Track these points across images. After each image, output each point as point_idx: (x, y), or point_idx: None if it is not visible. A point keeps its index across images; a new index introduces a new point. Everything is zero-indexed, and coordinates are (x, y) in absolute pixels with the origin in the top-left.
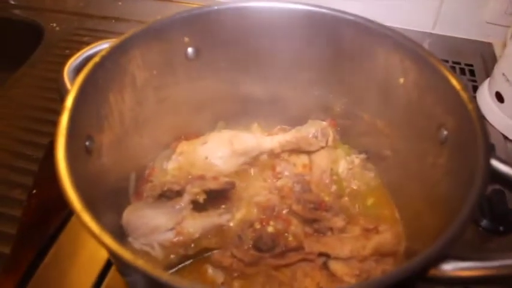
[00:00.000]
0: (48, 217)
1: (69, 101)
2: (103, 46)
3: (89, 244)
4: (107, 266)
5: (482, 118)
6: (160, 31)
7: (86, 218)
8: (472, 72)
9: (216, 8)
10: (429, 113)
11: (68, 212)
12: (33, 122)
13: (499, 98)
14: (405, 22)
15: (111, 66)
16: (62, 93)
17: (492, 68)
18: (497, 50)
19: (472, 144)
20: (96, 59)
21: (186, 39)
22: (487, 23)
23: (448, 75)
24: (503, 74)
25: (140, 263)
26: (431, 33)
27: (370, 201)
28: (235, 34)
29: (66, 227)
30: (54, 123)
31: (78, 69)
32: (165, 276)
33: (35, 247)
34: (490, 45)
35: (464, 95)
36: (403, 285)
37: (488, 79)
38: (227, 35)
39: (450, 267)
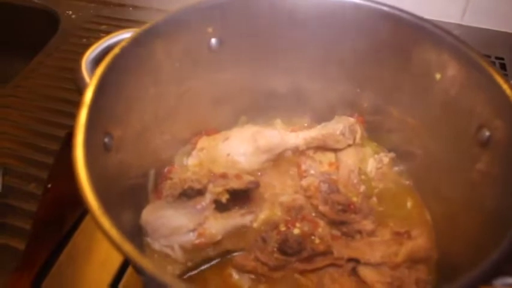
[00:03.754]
0: (64, 212)
1: (87, 96)
2: (123, 36)
3: (105, 243)
4: (125, 264)
5: None
6: (183, 21)
7: (104, 222)
8: (503, 66)
9: None
10: (468, 112)
11: (84, 208)
12: (49, 113)
13: None
14: (432, 12)
15: (132, 58)
16: (80, 85)
17: None
18: None
19: None
20: (116, 50)
21: (210, 29)
22: None
23: (492, 72)
24: None
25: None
26: (459, 24)
27: (399, 203)
28: (261, 24)
29: (82, 223)
30: (71, 115)
31: (96, 61)
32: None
33: (51, 243)
34: None
35: (511, 94)
36: None
37: None
38: (252, 25)
39: (502, 284)
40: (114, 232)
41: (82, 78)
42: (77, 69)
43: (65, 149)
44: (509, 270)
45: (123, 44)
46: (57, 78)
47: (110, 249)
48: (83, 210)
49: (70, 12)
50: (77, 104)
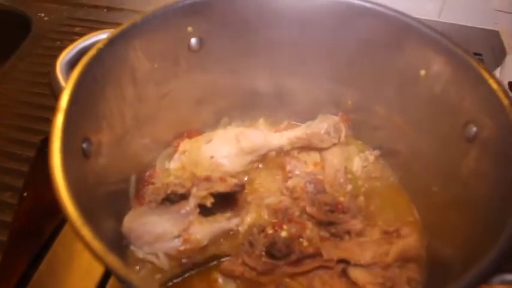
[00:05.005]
0: (42, 222)
1: (63, 101)
2: (99, 37)
3: (86, 252)
4: (106, 275)
5: None
6: (161, 20)
7: (86, 233)
8: (481, 62)
9: None
10: (454, 108)
11: (62, 217)
12: (23, 119)
13: None
14: (410, 9)
15: (109, 60)
16: (55, 90)
17: (501, 57)
18: (505, 39)
19: (509, 143)
20: (93, 51)
21: (190, 28)
22: (495, 10)
23: (478, 68)
24: None
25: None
26: (437, 21)
27: (386, 200)
28: (242, 23)
29: (61, 232)
30: (46, 121)
31: (72, 63)
32: None
33: (28, 254)
34: (497, 33)
35: (498, 90)
36: None
37: (499, 69)
38: (233, 24)
39: (500, 281)
40: (96, 243)
41: (57, 82)
42: (51, 73)
43: (40, 156)
44: (506, 268)
45: (99, 45)
46: (30, 82)
47: (91, 258)
48: (62, 218)
49: (42, 15)
50: (52, 109)
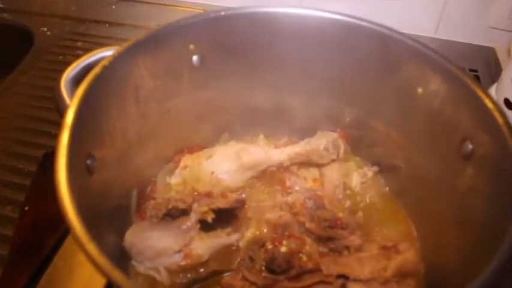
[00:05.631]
0: (42, 236)
1: (69, 118)
2: (103, 54)
3: (87, 266)
4: (108, 286)
5: None
6: (164, 38)
7: (91, 249)
8: (477, 78)
9: (223, 13)
10: (451, 125)
11: (63, 231)
12: (25, 133)
13: (508, 104)
14: (406, 26)
15: (113, 77)
16: (60, 106)
17: (497, 74)
18: (501, 55)
19: (504, 160)
20: (97, 69)
21: (192, 46)
22: (490, 27)
23: (473, 86)
24: None
25: None
26: (433, 38)
27: (384, 216)
28: (243, 41)
29: (62, 247)
30: (48, 135)
31: (76, 80)
32: None
33: (28, 269)
34: (492, 50)
35: (492, 108)
36: None
37: (495, 85)
38: (234, 42)
39: None
40: (102, 260)
41: (61, 98)
42: (55, 89)
43: (42, 170)
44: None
45: (104, 62)
46: (32, 96)
47: (92, 272)
48: (63, 233)
49: (45, 29)
50: (54, 124)
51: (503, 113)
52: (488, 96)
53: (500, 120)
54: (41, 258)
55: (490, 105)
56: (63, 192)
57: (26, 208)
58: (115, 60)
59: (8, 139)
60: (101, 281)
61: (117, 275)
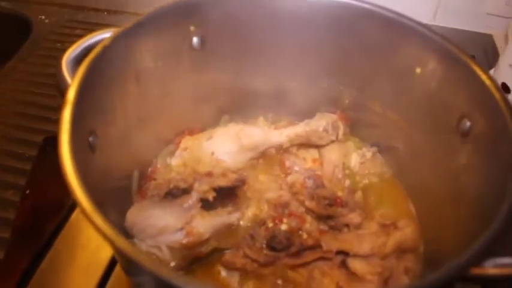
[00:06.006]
0: (44, 219)
1: (71, 94)
2: (103, 36)
3: (88, 247)
4: (109, 269)
5: None
6: (164, 19)
7: (97, 219)
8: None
9: None
10: (449, 104)
11: (64, 215)
12: (25, 118)
13: (506, 89)
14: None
15: (114, 57)
16: (61, 85)
17: (494, 60)
18: (498, 41)
19: (502, 137)
20: (98, 48)
21: (192, 28)
22: (488, 14)
23: (471, 64)
24: (510, 65)
25: (155, 267)
26: (431, 25)
27: (384, 195)
28: (243, 23)
29: (63, 230)
30: (48, 120)
31: (77, 60)
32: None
33: (30, 252)
34: (490, 36)
35: (490, 84)
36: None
37: (493, 70)
38: (234, 23)
39: (492, 264)
40: (106, 228)
41: (63, 78)
42: (57, 69)
43: (42, 155)
44: (499, 251)
45: (104, 42)
46: (31, 83)
47: (93, 256)
48: (64, 216)
49: (43, 17)
50: (53, 109)
51: (500, 89)
52: (486, 73)
53: (497, 95)
54: (42, 241)
55: (487, 81)
56: (67, 163)
57: (27, 192)
58: (116, 40)
59: (8, 125)
60: (103, 263)
61: (121, 241)
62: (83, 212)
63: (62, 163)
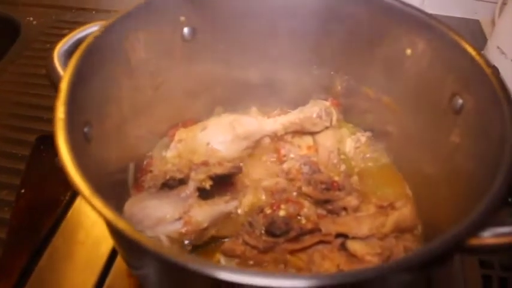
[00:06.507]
0: (40, 218)
1: (64, 83)
2: (94, 28)
3: (86, 244)
4: (108, 265)
5: (504, 84)
6: (154, 9)
7: (98, 203)
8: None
9: None
10: (441, 83)
11: (60, 211)
12: (17, 119)
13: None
14: None
15: (106, 48)
16: (53, 77)
17: (482, 44)
18: (485, 27)
19: (493, 111)
20: (90, 39)
21: (182, 18)
22: (475, 0)
23: (460, 41)
24: (498, 47)
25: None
26: None
27: (379, 179)
28: (233, 13)
29: (60, 227)
30: (40, 119)
31: (68, 53)
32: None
33: (28, 250)
34: (477, 22)
35: (480, 60)
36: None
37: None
38: (224, 13)
39: (490, 234)
40: (106, 211)
41: (55, 70)
42: (48, 62)
43: (36, 153)
44: (496, 221)
45: (95, 33)
46: (22, 84)
47: (91, 252)
48: (60, 214)
49: (31, 19)
50: (45, 109)
51: (491, 64)
52: (475, 49)
53: (487, 70)
54: (39, 239)
55: (477, 57)
56: (64, 152)
57: (22, 191)
58: (106, 30)
59: (1, 126)
60: (102, 259)
61: (121, 223)
62: (84, 197)
63: (59, 151)
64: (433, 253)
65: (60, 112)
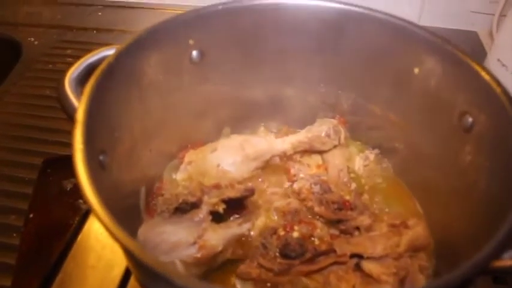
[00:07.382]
0: (49, 242)
1: (80, 113)
2: (104, 53)
3: (98, 267)
4: (122, 285)
5: None
6: (164, 33)
7: (118, 232)
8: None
9: (220, 7)
10: (449, 101)
11: (70, 235)
12: (21, 141)
13: None
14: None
15: (119, 74)
16: (65, 105)
17: (481, 56)
18: (483, 38)
19: (505, 130)
20: (103, 65)
21: (191, 41)
22: (472, 12)
23: (468, 61)
24: (499, 60)
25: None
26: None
27: (390, 197)
28: (240, 35)
29: (71, 251)
30: (45, 142)
31: (79, 79)
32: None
33: (39, 276)
34: (475, 33)
35: (489, 80)
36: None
37: None
38: (233, 36)
39: (509, 256)
40: (125, 238)
41: (66, 97)
42: (60, 89)
43: (43, 177)
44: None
45: (109, 59)
46: (25, 105)
47: (104, 274)
48: (70, 237)
49: (32, 39)
50: (50, 131)
51: (501, 82)
52: (484, 69)
53: (498, 89)
54: (50, 264)
55: (486, 77)
56: (83, 179)
57: (31, 216)
58: (119, 56)
59: (5, 149)
60: (114, 283)
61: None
62: (102, 222)
63: (80, 183)
64: (458, 280)
65: (78, 143)
